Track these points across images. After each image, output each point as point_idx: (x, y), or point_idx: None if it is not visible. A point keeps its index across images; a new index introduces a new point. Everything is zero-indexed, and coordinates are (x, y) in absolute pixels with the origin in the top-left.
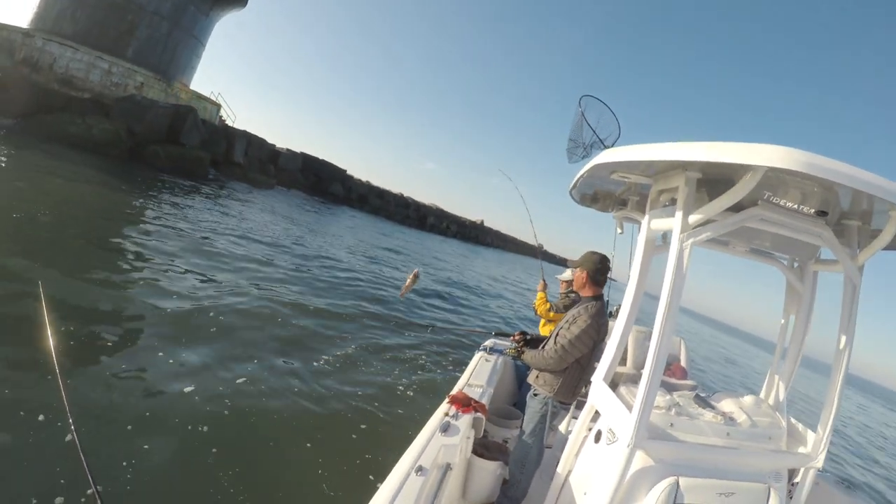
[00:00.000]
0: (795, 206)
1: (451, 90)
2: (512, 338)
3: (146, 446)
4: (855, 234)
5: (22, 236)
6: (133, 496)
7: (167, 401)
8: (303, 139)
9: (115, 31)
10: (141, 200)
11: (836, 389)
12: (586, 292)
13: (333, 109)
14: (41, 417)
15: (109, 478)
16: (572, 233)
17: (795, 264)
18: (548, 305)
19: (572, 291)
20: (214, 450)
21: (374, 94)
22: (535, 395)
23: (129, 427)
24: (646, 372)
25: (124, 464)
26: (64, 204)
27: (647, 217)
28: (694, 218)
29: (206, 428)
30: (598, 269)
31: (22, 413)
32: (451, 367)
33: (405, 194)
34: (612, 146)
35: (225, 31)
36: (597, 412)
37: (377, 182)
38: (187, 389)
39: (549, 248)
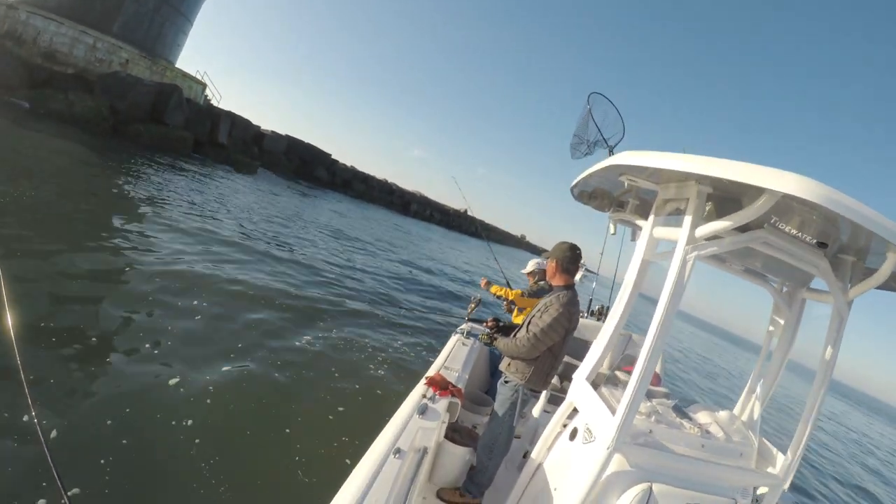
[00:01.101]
0: (797, 234)
1: (450, 79)
2: (485, 323)
3: (124, 441)
4: (849, 269)
5: None
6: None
7: (144, 389)
8: (290, 123)
9: (101, 5)
10: (121, 178)
11: (812, 413)
12: (557, 281)
13: (322, 95)
14: (5, 415)
15: (84, 477)
16: (563, 226)
17: (785, 289)
18: (517, 291)
19: (542, 280)
20: (197, 440)
21: (368, 79)
22: (506, 382)
23: (109, 422)
24: (634, 376)
25: (102, 461)
26: (40, 179)
27: (649, 224)
28: (701, 231)
29: (189, 421)
30: (569, 257)
31: None
32: (423, 350)
33: (389, 180)
34: (616, 146)
35: (214, 8)
36: (575, 409)
37: (363, 168)
38: (167, 379)
39: (532, 238)
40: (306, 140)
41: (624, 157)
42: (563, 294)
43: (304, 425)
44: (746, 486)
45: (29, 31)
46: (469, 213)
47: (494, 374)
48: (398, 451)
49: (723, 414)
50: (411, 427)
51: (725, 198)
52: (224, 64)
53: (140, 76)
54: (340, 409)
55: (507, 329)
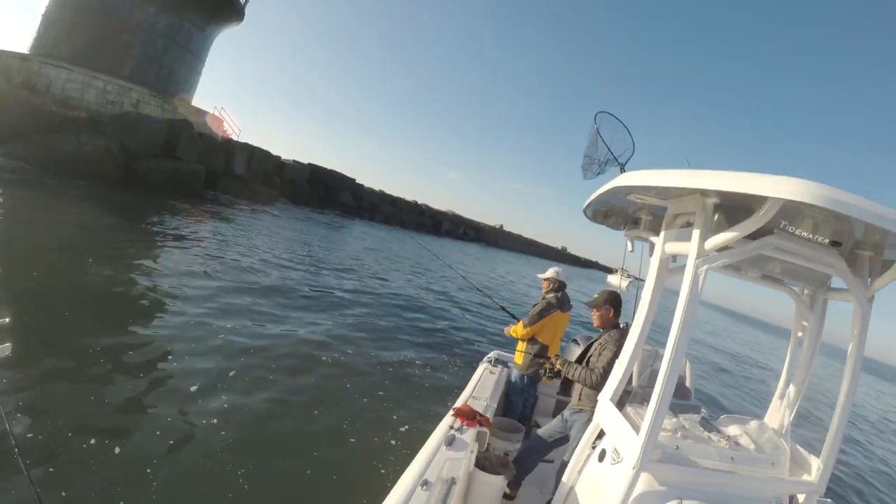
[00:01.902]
0: (809, 236)
1: (482, 101)
2: (545, 361)
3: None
4: (867, 264)
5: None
6: None
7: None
8: (318, 152)
9: (111, 50)
10: (134, 236)
11: (842, 415)
12: (607, 323)
13: (353, 121)
14: None
15: None
16: (594, 236)
17: (806, 292)
18: (518, 326)
19: (554, 290)
20: (208, 463)
21: (397, 106)
22: (581, 410)
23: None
24: (655, 394)
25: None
26: (53, 249)
27: (661, 239)
28: (710, 243)
29: (206, 442)
30: (619, 304)
31: None
32: (453, 378)
33: (419, 202)
34: (626, 163)
35: (228, 45)
36: (602, 431)
37: (394, 192)
38: (189, 408)
39: (573, 250)
40: (332, 167)
41: (625, 179)
42: (615, 332)
43: (329, 453)
44: (781, 495)
45: (42, 80)
46: (504, 227)
47: (514, 400)
48: (426, 482)
49: (752, 424)
50: (439, 458)
51: (734, 207)
52: (247, 99)
53: (152, 115)
54: (371, 438)
55: (562, 364)
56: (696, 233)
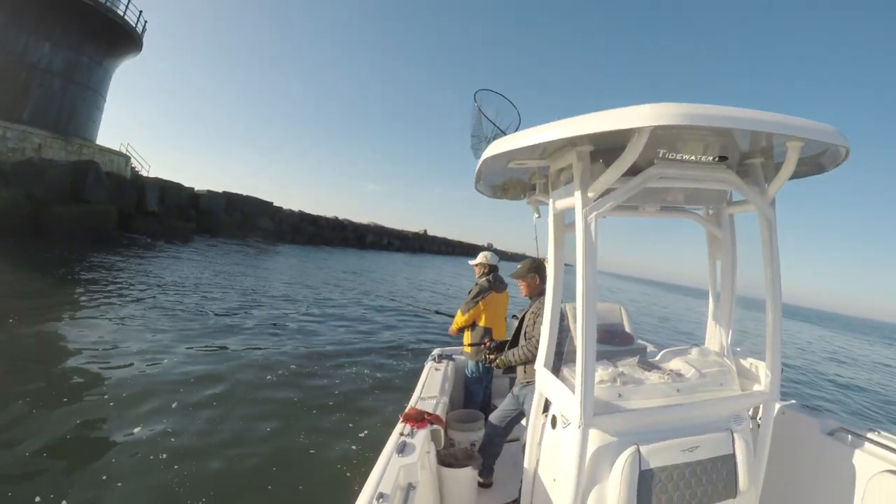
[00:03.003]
0: (694, 158)
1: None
2: (482, 347)
3: None
4: (760, 171)
5: None
6: None
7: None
8: (234, 181)
9: (7, 93)
10: (52, 292)
11: (775, 320)
12: (535, 291)
13: (259, 146)
14: None
15: None
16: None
17: (711, 212)
18: (458, 315)
19: (486, 274)
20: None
21: (301, 124)
22: (529, 382)
23: None
24: (578, 348)
25: None
26: None
27: (551, 198)
28: (593, 190)
29: (158, 478)
30: (544, 271)
31: None
32: (404, 382)
33: (340, 217)
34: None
35: (131, 77)
36: (546, 399)
37: (313, 211)
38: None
39: (500, 245)
40: (247, 193)
41: (492, 148)
42: (542, 299)
43: (283, 481)
44: (738, 411)
45: None
46: (428, 232)
47: (469, 389)
48: (381, 496)
49: (693, 351)
50: (392, 468)
51: (610, 150)
52: (154, 132)
53: (55, 158)
54: (320, 462)
55: (500, 346)
56: (577, 183)
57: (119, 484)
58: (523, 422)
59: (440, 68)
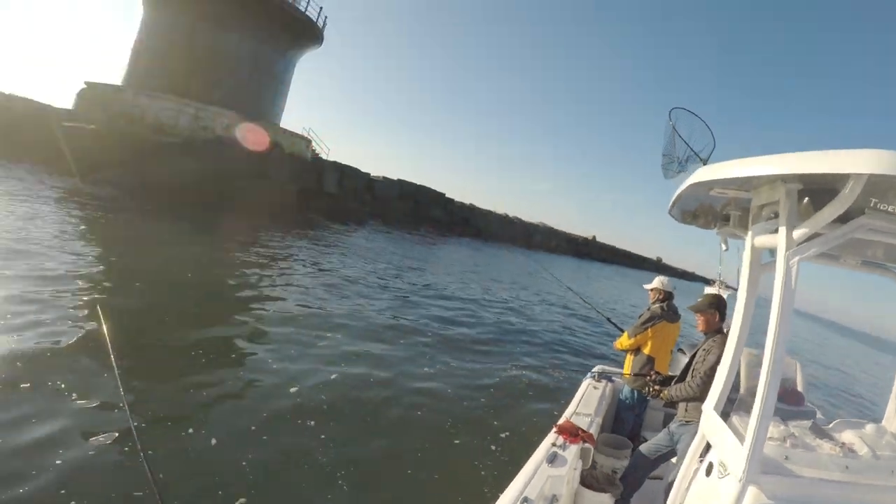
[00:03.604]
0: None
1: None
2: (648, 378)
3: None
4: None
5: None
6: None
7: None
8: (408, 170)
9: (200, 79)
10: (231, 256)
11: None
12: (712, 327)
13: (435, 134)
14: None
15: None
16: (691, 244)
17: None
18: (622, 337)
19: (659, 301)
20: (305, 463)
21: (480, 116)
22: (688, 422)
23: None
24: (757, 400)
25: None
26: (152, 269)
27: (749, 233)
28: (798, 232)
29: (302, 438)
30: (724, 307)
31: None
32: (555, 391)
33: (510, 214)
34: (708, 158)
35: (313, 67)
36: (708, 443)
37: (484, 205)
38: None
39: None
40: (414, 181)
41: (701, 174)
42: (720, 337)
43: (427, 469)
44: None
45: (136, 110)
46: (597, 239)
47: (621, 416)
48: (526, 500)
49: (869, 428)
50: (540, 476)
51: (819, 190)
52: (336, 119)
53: None
54: (467, 455)
55: (666, 380)
56: (782, 221)
57: (264, 437)
58: (673, 460)
59: (630, 76)
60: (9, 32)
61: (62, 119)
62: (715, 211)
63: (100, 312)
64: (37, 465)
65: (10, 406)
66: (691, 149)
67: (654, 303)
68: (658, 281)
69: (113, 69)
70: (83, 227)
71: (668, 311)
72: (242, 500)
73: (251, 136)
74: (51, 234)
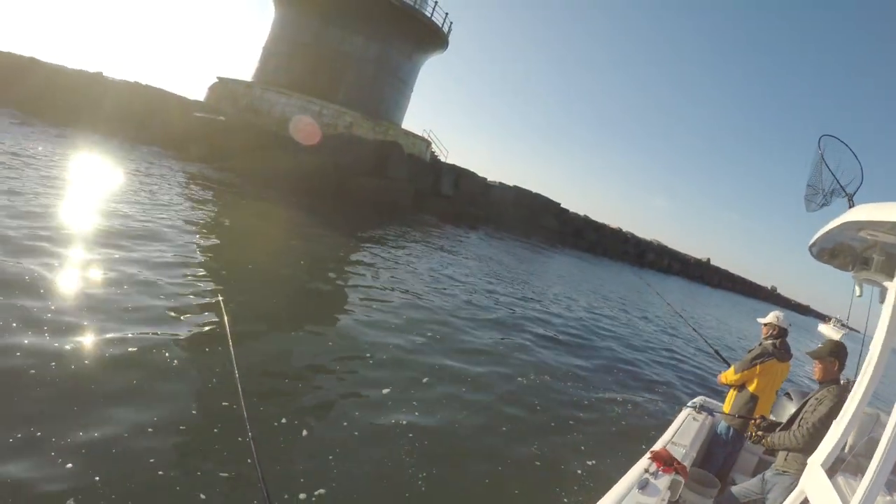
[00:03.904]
0: None
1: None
2: (753, 422)
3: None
4: None
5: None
6: None
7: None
8: (521, 175)
9: (325, 77)
10: (345, 244)
11: None
12: (829, 377)
13: (551, 140)
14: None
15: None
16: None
17: None
18: (729, 372)
19: (772, 337)
20: (388, 460)
21: (595, 125)
22: (784, 473)
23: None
24: (872, 466)
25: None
26: (276, 252)
27: (895, 282)
28: None
29: (389, 440)
30: (845, 356)
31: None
32: (650, 419)
33: (623, 229)
34: (854, 194)
35: (436, 70)
36: (806, 499)
37: (595, 216)
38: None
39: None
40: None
41: (858, 213)
42: (834, 387)
43: (508, 478)
44: None
45: (264, 105)
46: (711, 261)
47: (715, 453)
48: None
49: None
50: (629, 501)
51: None
52: (456, 121)
53: (363, 136)
54: (550, 470)
55: (771, 425)
56: None
57: (356, 433)
58: None
59: (759, 95)
60: (148, 26)
61: (194, 110)
62: (855, 252)
63: (221, 304)
64: (150, 447)
65: (133, 387)
66: (838, 182)
67: (766, 338)
68: (773, 316)
69: (241, 64)
70: (208, 208)
71: (780, 349)
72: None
73: (304, 130)
74: (177, 214)
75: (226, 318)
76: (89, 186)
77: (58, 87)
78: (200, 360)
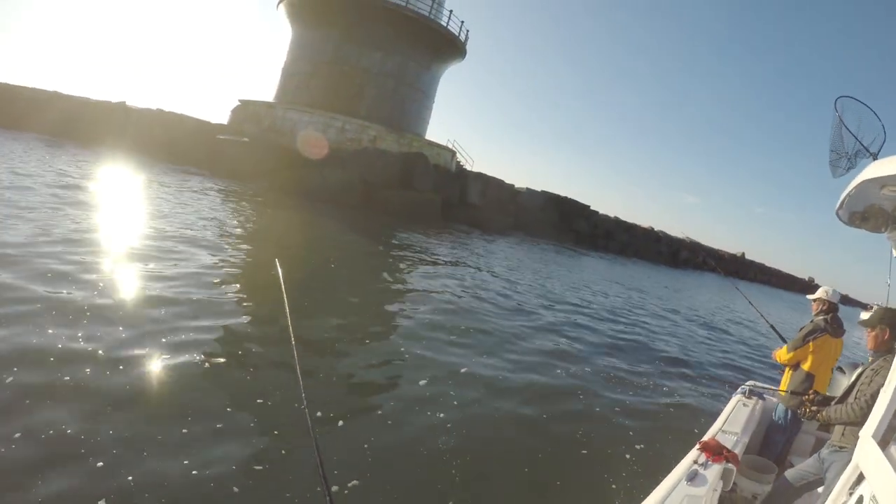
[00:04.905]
0: None
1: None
2: (805, 398)
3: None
4: None
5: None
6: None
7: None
8: (549, 180)
9: (346, 94)
10: (381, 246)
11: None
12: (884, 346)
13: (581, 144)
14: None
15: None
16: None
17: None
18: (781, 351)
19: (823, 312)
20: (424, 451)
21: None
22: (841, 448)
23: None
24: None
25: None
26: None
27: None
28: None
29: (427, 431)
30: None
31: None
32: (699, 406)
33: (655, 228)
34: (878, 152)
35: (455, 80)
36: (861, 474)
37: (625, 216)
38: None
39: (821, 281)
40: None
41: (873, 170)
42: (891, 356)
43: (553, 474)
44: None
45: (286, 124)
46: (746, 256)
47: (767, 438)
48: None
49: None
50: (677, 494)
51: None
52: (482, 128)
53: (388, 149)
54: (599, 464)
55: (825, 400)
56: None
57: (398, 428)
58: (819, 490)
59: (771, 73)
60: (169, 57)
61: (217, 133)
62: (886, 213)
63: (285, 298)
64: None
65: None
66: (860, 142)
67: (816, 314)
68: (822, 291)
69: (262, 86)
70: (245, 217)
71: (831, 324)
72: None
73: (311, 144)
74: (220, 224)
75: (289, 319)
76: (134, 203)
77: (83, 118)
78: (267, 377)
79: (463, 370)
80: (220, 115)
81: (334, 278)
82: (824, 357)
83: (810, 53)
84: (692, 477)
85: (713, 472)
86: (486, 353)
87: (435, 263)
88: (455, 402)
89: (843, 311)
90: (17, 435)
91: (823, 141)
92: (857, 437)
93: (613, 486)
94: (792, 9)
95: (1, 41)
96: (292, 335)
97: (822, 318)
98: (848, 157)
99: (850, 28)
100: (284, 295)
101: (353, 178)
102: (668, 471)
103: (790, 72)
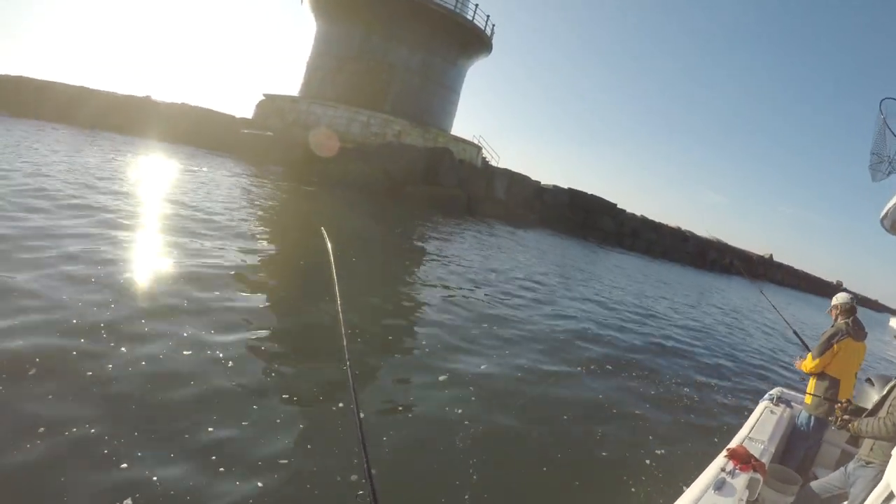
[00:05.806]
0: None
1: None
2: (838, 406)
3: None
4: None
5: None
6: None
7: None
8: (574, 175)
9: (371, 88)
10: (405, 231)
11: None
12: None
13: (608, 140)
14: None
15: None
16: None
17: None
18: (807, 359)
19: (841, 318)
20: (441, 445)
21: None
22: (869, 464)
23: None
24: None
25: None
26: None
27: None
28: None
29: (444, 425)
30: None
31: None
32: (723, 413)
33: (682, 228)
34: None
35: (481, 76)
36: (892, 493)
37: (651, 215)
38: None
39: (851, 286)
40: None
41: None
42: None
43: (576, 476)
44: None
45: (310, 118)
46: (774, 258)
47: (789, 446)
48: None
49: None
50: (704, 502)
51: None
52: (509, 124)
53: (413, 144)
54: (622, 468)
55: (858, 410)
56: None
57: (414, 425)
58: None
59: (805, 69)
60: (195, 52)
61: (242, 127)
62: None
63: (332, 265)
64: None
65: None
66: None
67: (836, 320)
68: (835, 298)
69: (287, 80)
70: (275, 198)
71: (853, 326)
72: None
73: (322, 142)
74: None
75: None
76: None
77: (110, 110)
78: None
79: (483, 367)
80: (245, 109)
81: (372, 253)
82: (848, 360)
83: (839, 48)
84: (720, 485)
85: (741, 481)
86: (509, 348)
87: (459, 256)
88: (473, 399)
89: (875, 317)
90: (42, 430)
91: (854, 138)
92: (885, 454)
93: (633, 490)
94: None
95: (28, 39)
96: (339, 302)
97: (843, 321)
98: (890, 161)
99: (888, 18)
100: (332, 262)
101: (377, 172)
102: (690, 477)
103: (818, 66)
